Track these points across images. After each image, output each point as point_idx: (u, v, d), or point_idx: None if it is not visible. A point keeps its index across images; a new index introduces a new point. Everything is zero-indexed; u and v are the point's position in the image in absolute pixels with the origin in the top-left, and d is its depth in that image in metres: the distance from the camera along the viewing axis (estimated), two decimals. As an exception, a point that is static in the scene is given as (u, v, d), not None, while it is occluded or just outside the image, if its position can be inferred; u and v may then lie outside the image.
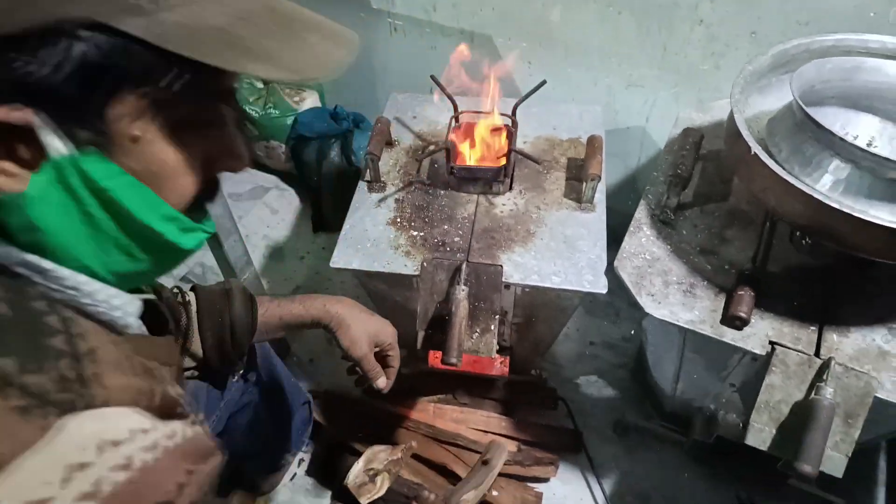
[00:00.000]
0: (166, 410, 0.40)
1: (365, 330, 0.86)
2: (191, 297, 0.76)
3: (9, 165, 0.37)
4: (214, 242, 1.26)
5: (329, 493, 1.31)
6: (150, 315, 0.55)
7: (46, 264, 0.41)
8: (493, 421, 1.34)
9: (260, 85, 1.84)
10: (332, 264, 1.06)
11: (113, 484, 0.33)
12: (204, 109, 0.43)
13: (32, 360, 0.35)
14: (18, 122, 0.36)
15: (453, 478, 1.25)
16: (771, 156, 0.85)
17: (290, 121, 1.76)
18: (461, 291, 1.02)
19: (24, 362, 0.35)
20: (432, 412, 1.34)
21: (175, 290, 0.75)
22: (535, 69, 1.44)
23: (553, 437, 1.33)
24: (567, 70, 1.40)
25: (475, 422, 1.33)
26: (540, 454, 1.30)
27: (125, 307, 0.46)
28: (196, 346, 0.77)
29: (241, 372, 0.93)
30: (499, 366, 1.32)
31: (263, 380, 1.06)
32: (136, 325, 0.48)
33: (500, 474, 1.25)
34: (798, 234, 0.99)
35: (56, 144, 0.38)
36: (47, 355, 0.36)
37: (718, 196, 1.09)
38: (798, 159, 0.85)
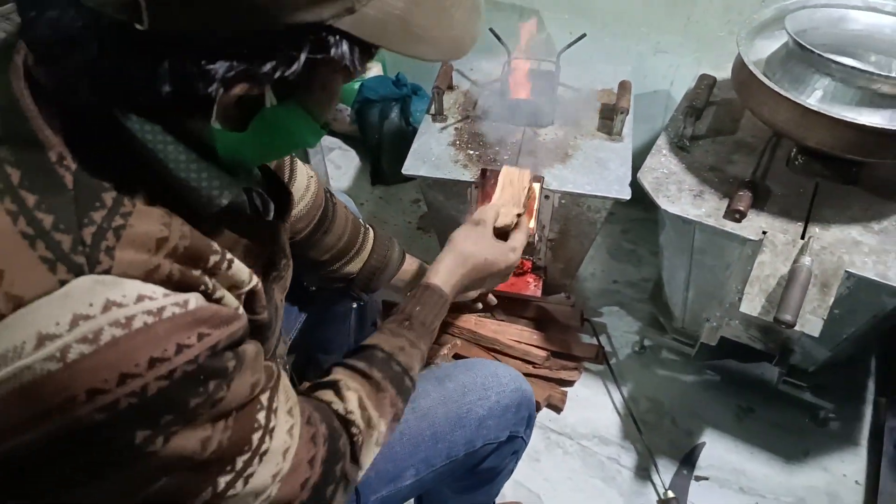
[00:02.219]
0: (180, 284, 0.45)
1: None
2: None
3: (233, 113, 0.47)
4: (302, 157, 1.51)
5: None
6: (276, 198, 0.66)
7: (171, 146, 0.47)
8: (525, 333, 1.54)
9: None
10: (403, 171, 1.29)
11: (111, 336, 0.40)
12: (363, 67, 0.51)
13: (65, 222, 0.41)
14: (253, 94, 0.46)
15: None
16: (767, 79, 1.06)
17: (356, 86, 2.01)
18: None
19: (58, 222, 0.41)
20: (474, 322, 1.54)
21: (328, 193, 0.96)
22: (574, 37, 1.67)
23: (578, 349, 1.53)
24: (603, 39, 1.63)
25: (511, 333, 1.54)
26: (566, 362, 1.50)
27: (220, 189, 0.50)
28: (355, 265, 1.00)
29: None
30: (532, 287, 1.53)
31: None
32: (223, 203, 0.50)
33: (530, 375, 1.46)
34: (793, 154, 1.19)
35: (272, 101, 0.48)
36: (80, 222, 0.42)
37: (727, 131, 1.30)
38: (788, 78, 1.06)
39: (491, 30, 1.39)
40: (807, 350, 1.31)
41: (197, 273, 0.47)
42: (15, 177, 0.42)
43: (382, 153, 2.01)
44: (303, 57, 0.44)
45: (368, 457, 0.66)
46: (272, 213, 0.65)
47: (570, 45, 1.37)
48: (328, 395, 0.65)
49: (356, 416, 0.64)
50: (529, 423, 0.93)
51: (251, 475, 0.50)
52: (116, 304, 0.41)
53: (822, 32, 1.15)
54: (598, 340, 1.55)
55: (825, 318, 1.02)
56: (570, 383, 1.49)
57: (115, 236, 0.42)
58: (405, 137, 1.95)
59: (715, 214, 1.12)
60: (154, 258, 0.43)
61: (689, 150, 1.25)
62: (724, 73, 1.41)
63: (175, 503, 0.47)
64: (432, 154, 1.32)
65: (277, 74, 0.44)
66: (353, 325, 1.31)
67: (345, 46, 0.45)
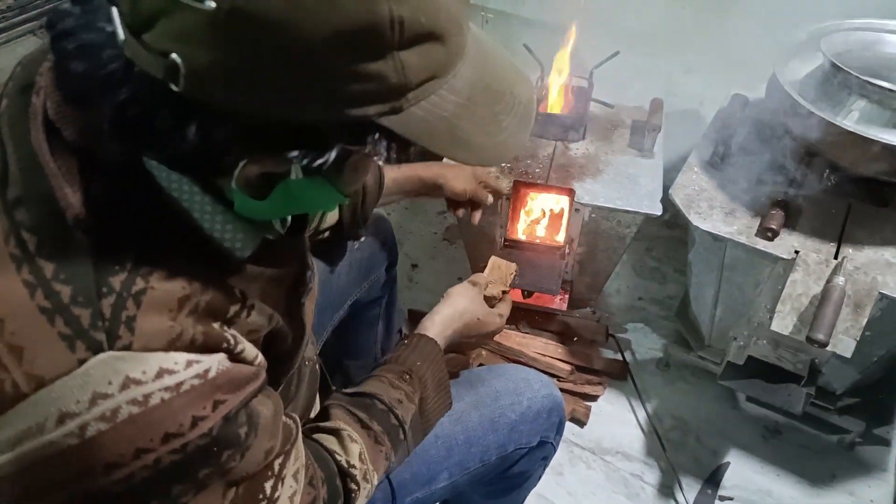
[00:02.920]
0: (205, 346, 0.44)
1: (463, 172, 1.06)
2: None
3: (256, 182, 0.45)
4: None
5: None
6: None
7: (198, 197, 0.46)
8: (550, 347, 1.55)
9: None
10: (436, 181, 1.31)
11: (127, 414, 0.40)
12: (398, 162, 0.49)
13: (83, 294, 0.41)
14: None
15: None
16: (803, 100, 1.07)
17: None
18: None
19: (77, 294, 0.41)
20: (500, 333, 1.55)
21: None
22: (606, 55, 1.69)
23: (602, 364, 1.53)
24: (633, 58, 1.64)
25: (535, 346, 1.54)
26: (590, 376, 1.51)
27: (244, 242, 0.50)
28: (333, 213, 0.95)
29: (361, 239, 1.08)
30: (558, 301, 1.54)
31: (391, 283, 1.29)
32: (246, 255, 0.51)
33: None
34: (826, 175, 1.19)
35: (298, 174, 0.45)
36: (100, 292, 0.41)
37: (759, 151, 1.30)
38: (823, 99, 1.07)
39: (525, 45, 1.42)
40: (835, 372, 1.31)
41: (217, 327, 0.46)
42: (32, 244, 0.42)
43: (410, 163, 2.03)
44: (335, 151, 0.42)
45: None
46: (287, 228, 0.62)
47: (603, 63, 1.39)
48: (332, 443, 0.66)
49: (357, 472, 0.64)
50: (560, 430, 0.95)
51: None
52: (135, 382, 0.41)
53: (856, 55, 1.16)
54: (623, 356, 1.55)
55: (858, 338, 1.02)
56: (594, 398, 1.49)
57: (135, 304, 0.42)
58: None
59: (747, 232, 1.13)
60: (175, 324, 0.43)
61: (720, 169, 1.26)
62: (755, 93, 1.43)
63: None
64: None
65: (304, 162, 0.42)
66: (380, 332, 1.33)
67: (384, 143, 0.43)
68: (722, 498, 1.32)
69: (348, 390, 0.74)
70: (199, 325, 0.44)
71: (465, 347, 0.87)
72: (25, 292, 0.41)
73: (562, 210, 1.35)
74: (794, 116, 1.07)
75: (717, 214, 1.16)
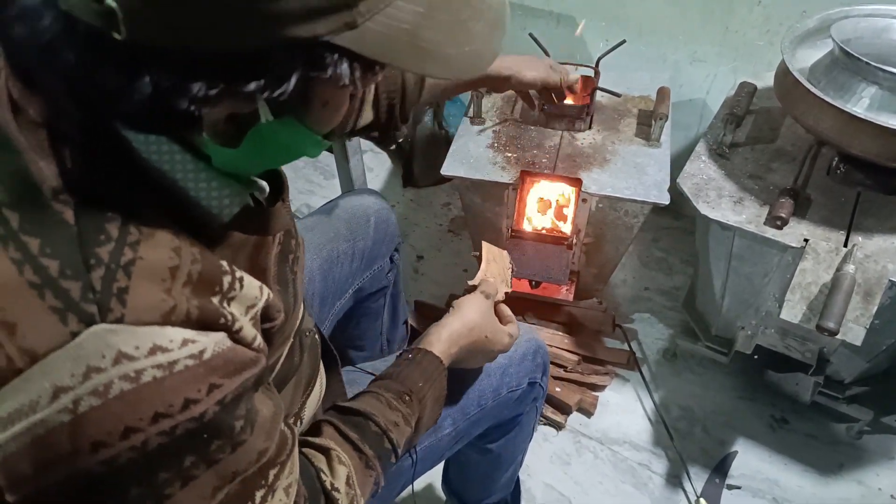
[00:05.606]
0: (203, 322, 0.43)
1: (534, 61, 1.08)
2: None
3: (225, 128, 0.45)
4: (341, 157, 1.53)
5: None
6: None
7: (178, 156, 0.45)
8: (557, 337, 1.54)
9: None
10: (442, 171, 1.31)
11: (119, 390, 0.39)
12: (365, 85, 0.47)
13: (71, 267, 0.40)
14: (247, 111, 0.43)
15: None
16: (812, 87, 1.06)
17: (391, 90, 2.04)
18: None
19: (65, 267, 0.40)
20: (506, 325, 1.55)
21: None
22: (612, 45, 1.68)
23: (609, 355, 1.53)
24: (640, 47, 1.64)
25: (542, 336, 1.54)
26: (597, 367, 1.50)
27: (230, 199, 0.49)
28: (367, 113, 0.93)
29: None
30: (564, 291, 1.54)
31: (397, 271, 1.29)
32: (234, 212, 0.50)
33: (561, 378, 1.46)
34: (835, 163, 1.19)
35: (267, 116, 0.44)
36: (88, 264, 0.40)
37: (767, 139, 1.30)
38: (833, 87, 1.06)
39: (531, 35, 1.41)
40: (843, 360, 1.30)
41: (215, 302, 0.45)
42: (14, 220, 0.40)
43: (414, 156, 2.03)
44: (293, 78, 0.40)
45: None
46: (266, 195, 0.59)
47: (609, 52, 1.38)
48: (320, 461, 0.64)
49: (342, 495, 0.62)
50: (545, 371, 1.00)
51: None
52: (127, 357, 0.40)
53: (866, 42, 1.15)
54: (630, 346, 1.55)
55: (867, 327, 1.02)
56: (600, 388, 1.49)
57: (125, 275, 0.40)
58: (437, 141, 1.98)
59: (755, 221, 1.12)
60: (169, 297, 0.42)
61: (728, 158, 1.25)
62: (762, 82, 1.42)
63: None
64: (470, 156, 1.33)
65: (265, 95, 0.40)
66: (385, 322, 1.33)
67: (344, 65, 0.41)
68: (730, 487, 1.33)
69: (343, 404, 0.72)
70: (194, 299, 0.43)
71: (467, 364, 0.87)
72: (13, 269, 0.40)
73: (568, 200, 1.35)
74: (804, 104, 1.06)
75: (725, 203, 1.16)
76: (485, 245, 1.03)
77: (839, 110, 1.00)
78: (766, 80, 1.42)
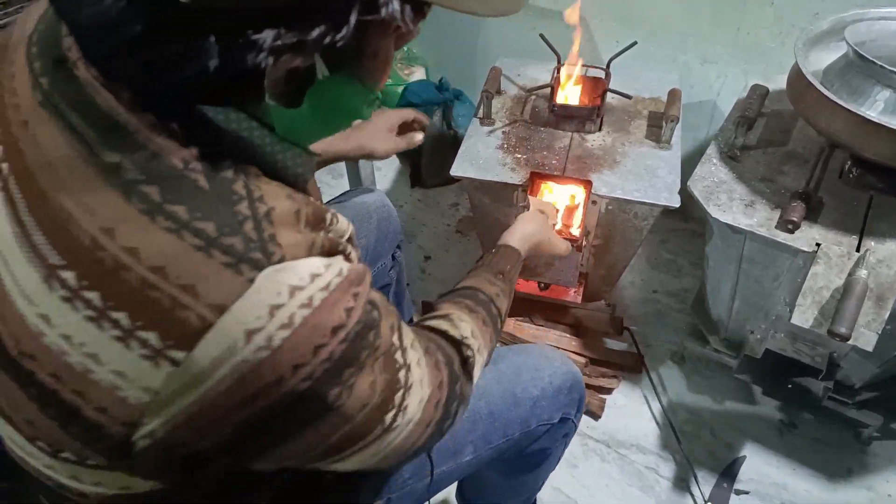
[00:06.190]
0: (330, 251, 0.48)
1: (378, 133, 1.16)
2: None
3: (286, 89, 0.48)
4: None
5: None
6: None
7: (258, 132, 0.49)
8: (564, 339, 1.54)
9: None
10: (452, 172, 1.30)
11: (302, 317, 0.43)
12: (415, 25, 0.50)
13: (226, 225, 0.43)
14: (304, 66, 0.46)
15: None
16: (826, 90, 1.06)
17: (400, 90, 2.04)
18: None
19: (221, 226, 0.43)
20: (513, 326, 1.55)
21: None
22: (622, 46, 1.67)
23: (617, 357, 1.52)
24: (650, 48, 1.63)
25: (550, 339, 1.54)
26: (604, 369, 1.50)
27: (305, 165, 0.54)
28: None
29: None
30: (573, 293, 1.53)
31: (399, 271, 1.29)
32: (308, 177, 0.55)
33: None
34: (847, 166, 1.18)
35: (324, 72, 0.49)
36: (236, 219, 0.44)
37: (778, 142, 1.29)
38: (846, 89, 1.05)
39: (541, 35, 1.40)
40: (854, 365, 1.29)
41: (331, 235, 0.50)
42: (155, 194, 0.43)
43: (423, 157, 2.03)
44: (352, 19, 0.43)
45: (477, 377, 0.71)
46: None
47: (620, 53, 1.37)
48: (443, 325, 0.70)
49: (471, 342, 0.70)
50: (580, 407, 0.96)
51: (406, 407, 0.55)
52: (298, 289, 0.44)
53: (880, 45, 1.14)
54: (638, 349, 1.54)
55: (879, 332, 1.01)
56: (608, 391, 1.49)
57: (269, 223, 0.45)
58: (446, 142, 1.97)
59: (767, 224, 1.11)
60: (304, 234, 0.46)
61: (739, 160, 1.24)
62: (773, 84, 1.41)
63: (353, 444, 0.52)
64: (480, 157, 1.33)
65: (327, 40, 0.43)
66: None
67: (396, 4, 0.44)
68: (738, 492, 1.32)
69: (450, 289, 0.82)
70: (319, 234, 0.48)
71: (534, 267, 1.04)
72: (172, 237, 0.42)
73: (578, 202, 1.35)
74: (816, 106, 1.06)
75: (736, 206, 1.15)
76: (531, 198, 1.16)
77: (853, 113, 0.99)
78: (776, 82, 1.41)
